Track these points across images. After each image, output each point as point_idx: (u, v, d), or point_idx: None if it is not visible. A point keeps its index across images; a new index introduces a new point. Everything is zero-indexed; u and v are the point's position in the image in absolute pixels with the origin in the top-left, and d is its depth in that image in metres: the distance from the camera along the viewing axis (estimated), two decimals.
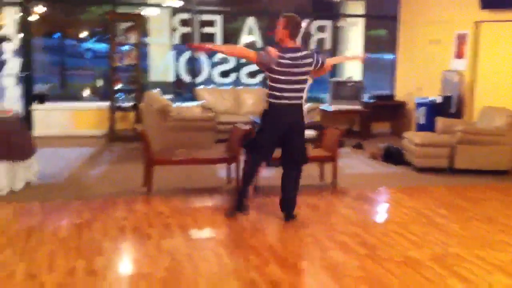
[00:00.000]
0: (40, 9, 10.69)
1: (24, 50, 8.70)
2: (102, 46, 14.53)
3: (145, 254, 4.19)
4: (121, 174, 6.55)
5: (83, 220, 4.87)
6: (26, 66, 8.71)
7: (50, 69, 14.96)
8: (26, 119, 8.52)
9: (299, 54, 4.81)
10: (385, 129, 10.11)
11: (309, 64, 4.86)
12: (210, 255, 4.19)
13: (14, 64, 8.63)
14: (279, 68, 4.73)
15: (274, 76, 4.77)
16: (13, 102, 8.57)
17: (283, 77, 4.75)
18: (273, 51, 4.74)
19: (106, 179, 6.33)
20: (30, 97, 8.75)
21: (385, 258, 4.18)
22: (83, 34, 17.58)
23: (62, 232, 4.56)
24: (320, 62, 4.94)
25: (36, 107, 8.66)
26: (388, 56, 11.01)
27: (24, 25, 8.68)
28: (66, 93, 13.65)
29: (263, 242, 4.51)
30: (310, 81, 5.55)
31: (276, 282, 3.74)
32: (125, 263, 4.08)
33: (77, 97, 11.37)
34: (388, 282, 3.77)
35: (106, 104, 8.69)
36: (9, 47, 8.55)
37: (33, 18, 9.17)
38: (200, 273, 3.85)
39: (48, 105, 8.82)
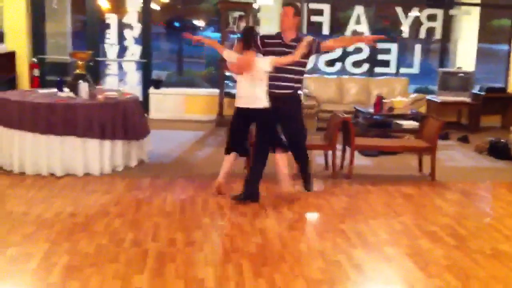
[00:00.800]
0: None
1: (144, 38, 9.37)
2: (218, 35, 15.15)
3: (239, 230, 4.50)
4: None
5: (187, 196, 5.29)
6: (145, 53, 9.38)
7: (168, 56, 15.85)
8: (143, 103, 9.21)
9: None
10: (495, 122, 9.72)
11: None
12: (300, 236, 4.42)
13: (135, 51, 9.33)
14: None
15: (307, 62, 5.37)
16: (132, 87, 9.31)
17: None
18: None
19: (211, 161, 6.74)
20: (147, 82, 9.43)
21: (474, 250, 4.18)
22: (201, 23, 18.38)
23: (168, 206, 5.00)
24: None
25: (152, 91, 9.31)
26: (505, 47, 10.51)
27: (145, 14, 9.32)
28: (182, 79, 14.40)
29: (352, 227, 4.65)
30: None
31: (360, 266, 3.89)
32: (220, 237, 4.41)
33: (193, 84, 11.95)
34: (473, 273, 3.79)
35: (215, 91, 9.15)
36: (131, 34, 9.26)
37: (154, 7, 9.80)
38: (288, 251, 4.09)
39: (163, 90, 9.44)
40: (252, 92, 4.98)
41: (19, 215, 4.62)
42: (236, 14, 8.80)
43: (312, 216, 5.01)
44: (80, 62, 6.41)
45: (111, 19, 9.19)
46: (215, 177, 5.93)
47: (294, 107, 5.36)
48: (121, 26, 9.22)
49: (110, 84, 9.12)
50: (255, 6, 9.00)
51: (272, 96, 5.05)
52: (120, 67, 9.47)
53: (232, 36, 8.92)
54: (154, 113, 9.22)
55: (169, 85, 10.16)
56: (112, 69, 9.41)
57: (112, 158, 5.99)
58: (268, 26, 9.83)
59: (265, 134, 5.13)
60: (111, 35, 9.22)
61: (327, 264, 3.89)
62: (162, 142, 7.44)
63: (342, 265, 3.88)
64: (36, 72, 8.84)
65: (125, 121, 6.05)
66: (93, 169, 5.85)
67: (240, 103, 5.07)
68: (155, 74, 9.76)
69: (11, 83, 8.30)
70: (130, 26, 9.20)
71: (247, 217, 4.80)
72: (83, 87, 6.02)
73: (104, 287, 3.42)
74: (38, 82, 8.79)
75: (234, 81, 5.53)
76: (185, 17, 16.84)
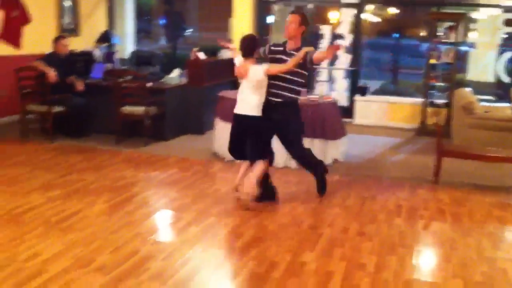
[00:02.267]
0: (382, 11, 11.77)
1: (354, 47, 9.86)
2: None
3: (412, 229, 4.72)
4: (417, 163, 7.06)
5: (369, 194, 5.64)
6: (355, 62, 9.87)
7: (383, 67, 16.13)
8: (349, 109, 9.72)
9: None
10: None
11: None
12: (472, 243, 4.47)
13: (344, 60, 9.88)
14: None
15: (305, 73, 5.07)
16: (340, 93, 9.89)
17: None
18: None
19: (402, 165, 6.94)
20: (354, 89, 9.89)
21: None
22: (424, 34, 18.25)
23: (349, 200, 5.42)
24: None
25: (358, 98, 9.74)
26: None
27: (356, 25, 9.81)
28: (396, 89, 14.54)
29: None
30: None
31: None
32: (391, 232, 4.65)
33: (406, 94, 11.99)
34: None
35: (420, 100, 9.23)
36: (342, 44, 9.83)
37: (372, 18, 10.23)
38: (456, 254, 4.21)
39: (368, 97, 9.81)
40: (247, 98, 4.97)
41: (223, 193, 5.47)
42: (447, 24, 8.79)
43: (491, 226, 4.96)
44: None
45: (325, 29, 9.88)
46: (400, 180, 6.21)
47: (286, 113, 5.07)
48: (334, 36, 9.85)
49: (320, 90, 9.78)
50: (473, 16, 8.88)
51: (268, 104, 5.00)
52: (330, 74, 10.11)
53: (441, 46, 8.94)
54: (359, 118, 9.64)
55: (381, 94, 10.44)
56: (322, 76, 10.09)
57: None
58: (480, 36, 9.61)
59: (254, 143, 5.06)
60: (324, 45, 9.90)
61: (492, 270, 3.94)
62: (359, 145, 7.84)
63: (508, 273, 3.89)
64: None
65: (323, 122, 6.60)
66: (291, 162, 6.50)
67: (236, 108, 5.06)
68: (363, 82, 10.19)
69: (235, 84, 9.45)
70: (341, 36, 9.78)
71: (424, 219, 4.97)
72: None
73: (277, 256, 3.99)
74: None
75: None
76: (404, 28, 16.96)
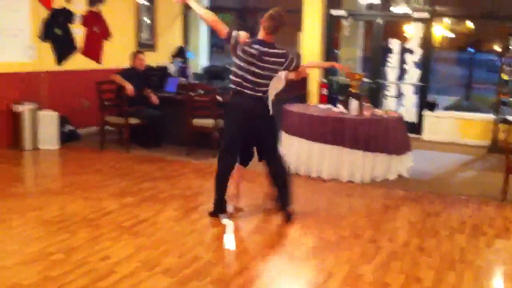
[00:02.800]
0: (457, 25, 11.61)
1: (424, 62, 9.78)
2: None
3: (474, 246, 4.68)
4: (486, 180, 6.93)
5: (433, 210, 5.61)
6: (424, 77, 9.78)
7: (456, 81, 15.78)
8: (418, 124, 9.65)
9: (270, 50, 4.77)
10: None
11: (279, 63, 4.83)
12: None
13: (413, 74, 9.82)
14: (243, 56, 4.77)
15: (237, 62, 4.82)
16: (408, 108, 9.83)
17: (245, 66, 4.77)
18: (243, 36, 4.78)
19: (470, 182, 6.85)
20: (423, 105, 9.80)
21: None
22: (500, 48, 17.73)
23: (412, 215, 5.43)
24: (293, 65, 4.94)
25: (426, 114, 9.64)
26: None
27: (426, 39, 9.73)
28: (470, 105, 14.19)
29: None
30: (280, 85, 5.36)
31: None
32: (452, 248, 4.61)
33: (481, 111, 11.68)
34: None
35: (492, 116, 9.04)
36: (411, 59, 9.79)
37: (446, 33, 10.11)
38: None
39: (437, 113, 9.69)
40: None
41: None
42: None
43: None
44: (354, 82, 7.18)
45: (394, 44, 9.87)
46: (467, 197, 6.14)
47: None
48: (403, 51, 9.82)
49: (388, 105, 9.77)
50: None
51: None
52: (399, 89, 10.07)
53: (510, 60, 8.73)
54: (427, 134, 9.54)
55: (454, 109, 10.29)
56: (391, 90, 10.07)
57: (372, 169, 6.63)
58: None
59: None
60: (393, 59, 9.90)
61: None
62: (427, 161, 7.78)
63: None
64: (324, 91, 10.02)
65: (387, 136, 6.63)
66: (355, 177, 6.57)
67: None
68: (431, 97, 10.08)
69: (302, 99, 9.63)
70: (411, 51, 9.74)
71: (487, 236, 4.92)
72: (353, 104, 6.81)
73: (335, 267, 4.09)
74: (325, 99, 9.95)
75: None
76: (479, 42, 16.56)
